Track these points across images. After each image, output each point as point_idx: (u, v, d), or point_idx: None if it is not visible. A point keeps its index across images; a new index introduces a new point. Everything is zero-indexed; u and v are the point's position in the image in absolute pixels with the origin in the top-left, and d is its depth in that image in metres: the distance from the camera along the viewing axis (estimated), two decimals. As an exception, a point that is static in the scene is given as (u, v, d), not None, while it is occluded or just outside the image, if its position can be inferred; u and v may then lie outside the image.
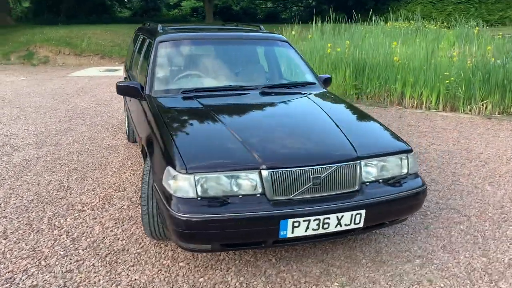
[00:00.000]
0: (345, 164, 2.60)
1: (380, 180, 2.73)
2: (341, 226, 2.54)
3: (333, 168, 2.56)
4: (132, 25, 15.21)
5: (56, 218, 3.46)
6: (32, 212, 3.56)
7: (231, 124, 2.91)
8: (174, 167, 2.45)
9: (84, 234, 3.22)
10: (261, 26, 4.63)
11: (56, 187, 4.07)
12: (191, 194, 2.40)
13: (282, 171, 2.48)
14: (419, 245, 3.17)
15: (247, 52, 4.10)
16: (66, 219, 3.45)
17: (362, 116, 3.35)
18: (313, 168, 2.53)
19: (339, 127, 2.94)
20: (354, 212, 2.55)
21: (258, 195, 2.47)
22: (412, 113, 7.24)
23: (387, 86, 7.89)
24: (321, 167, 2.54)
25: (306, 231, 2.48)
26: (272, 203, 2.46)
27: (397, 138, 3.00)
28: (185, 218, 2.34)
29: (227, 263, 2.88)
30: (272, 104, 3.50)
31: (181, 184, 2.41)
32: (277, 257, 2.96)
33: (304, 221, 2.45)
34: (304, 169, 2.51)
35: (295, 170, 2.50)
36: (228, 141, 2.70)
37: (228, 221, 2.36)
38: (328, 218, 2.50)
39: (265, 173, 2.46)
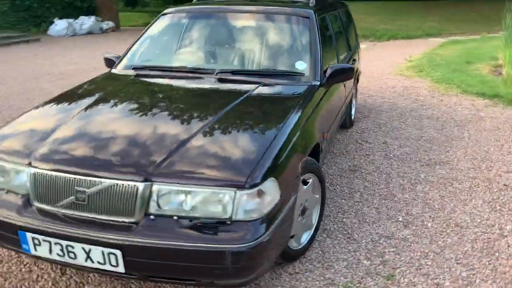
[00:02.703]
0: (122, 183, 1.89)
1: (176, 217, 1.87)
2: (93, 262, 1.90)
3: (104, 185, 1.90)
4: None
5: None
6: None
7: (100, 112, 2.53)
8: None
9: None
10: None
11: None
12: None
13: (45, 173, 2.00)
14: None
15: (249, 30, 3.33)
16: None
17: (258, 135, 2.30)
18: (79, 179, 1.94)
19: (194, 139, 2.14)
20: (106, 250, 1.85)
21: (21, 196, 2.07)
22: None
23: None
24: (89, 179, 1.92)
25: (51, 253, 1.95)
26: (34, 209, 2.02)
27: (245, 167, 1.92)
28: None
29: (74, 275, 2.50)
30: (186, 94, 2.89)
31: None
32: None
33: (44, 240, 1.93)
34: (67, 177, 1.95)
35: (57, 175, 1.97)
36: (52, 131, 2.29)
37: None
38: (72, 246, 1.89)
39: (31, 171, 2.04)
